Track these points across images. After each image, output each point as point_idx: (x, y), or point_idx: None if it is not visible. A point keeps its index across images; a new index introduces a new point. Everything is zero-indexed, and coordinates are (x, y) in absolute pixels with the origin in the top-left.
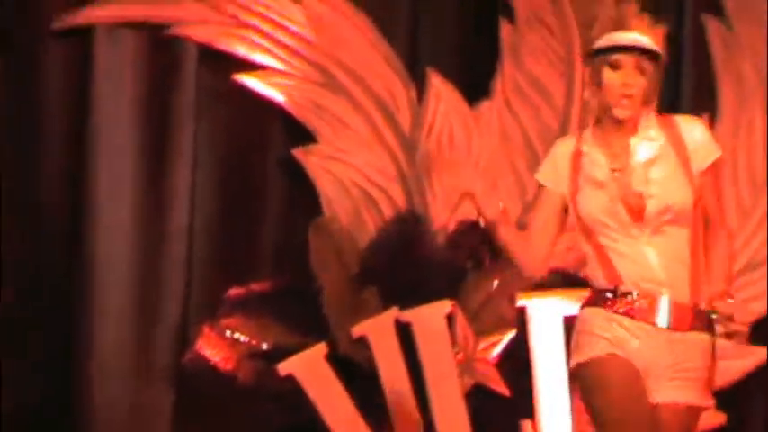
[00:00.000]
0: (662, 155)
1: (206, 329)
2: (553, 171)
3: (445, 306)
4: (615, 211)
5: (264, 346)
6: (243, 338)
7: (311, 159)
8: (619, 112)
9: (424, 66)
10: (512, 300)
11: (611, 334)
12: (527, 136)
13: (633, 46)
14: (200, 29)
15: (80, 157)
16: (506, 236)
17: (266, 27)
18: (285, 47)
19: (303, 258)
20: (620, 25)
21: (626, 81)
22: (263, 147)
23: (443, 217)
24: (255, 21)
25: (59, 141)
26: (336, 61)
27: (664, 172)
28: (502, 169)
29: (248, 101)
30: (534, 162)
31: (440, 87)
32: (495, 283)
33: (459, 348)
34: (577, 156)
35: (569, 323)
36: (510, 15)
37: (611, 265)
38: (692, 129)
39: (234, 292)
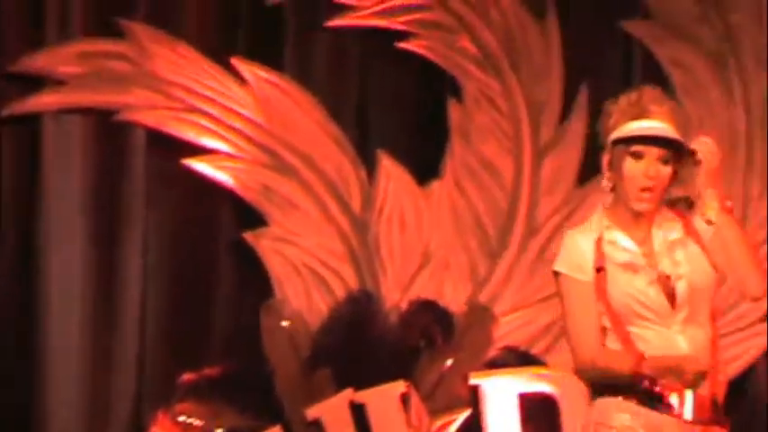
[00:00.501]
0: (683, 239)
1: (160, 415)
2: (572, 261)
3: (399, 386)
4: (653, 296)
5: (218, 431)
6: (196, 423)
7: (262, 242)
8: (637, 205)
9: (374, 147)
10: (465, 379)
11: (626, 425)
12: (477, 215)
13: (656, 137)
14: (148, 114)
15: (29, 245)
16: None
17: (214, 111)
18: (233, 130)
19: (255, 341)
20: (640, 112)
21: (648, 172)
22: (213, 230)
23: (395, 296)
24: (203, 105)
25: (8, 229)
26: (285, 143)
27: (687, 254)
28: (453, 248)
29: (198, 185)
30: (485, 240)
31: (390, 168)
32: (449, 362)
33: (414, 429)
34: (599, 243)
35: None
36: (458, 95)
37: (636, 351)
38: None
39: (187, 376)
